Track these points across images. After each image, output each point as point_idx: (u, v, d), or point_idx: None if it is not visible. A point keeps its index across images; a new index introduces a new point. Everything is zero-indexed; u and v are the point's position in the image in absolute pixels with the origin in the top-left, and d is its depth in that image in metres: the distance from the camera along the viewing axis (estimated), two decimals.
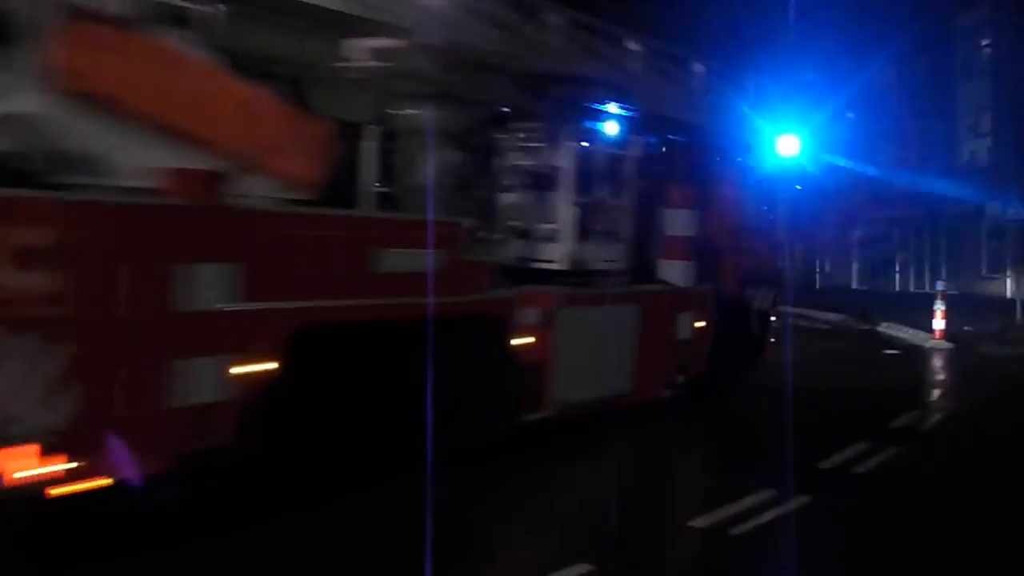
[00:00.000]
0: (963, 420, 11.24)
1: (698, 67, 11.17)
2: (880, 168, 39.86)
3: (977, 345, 18.68)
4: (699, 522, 6.55)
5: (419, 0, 7.23)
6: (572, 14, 9.01)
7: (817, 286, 43.90)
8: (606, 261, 9.39)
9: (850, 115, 41.09)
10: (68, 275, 4.92)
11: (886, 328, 22.67)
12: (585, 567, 5.51)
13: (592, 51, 9.36)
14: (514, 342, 7.98)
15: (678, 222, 10.49)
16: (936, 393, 12.77)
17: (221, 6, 5.90)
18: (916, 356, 17.80)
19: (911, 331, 20.91)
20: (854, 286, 42.09)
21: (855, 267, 42.77)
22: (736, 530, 6.41)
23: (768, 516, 6.72)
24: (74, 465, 4.92)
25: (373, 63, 7.03)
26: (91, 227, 5.06)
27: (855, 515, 7.05)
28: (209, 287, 5.52)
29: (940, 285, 19.69)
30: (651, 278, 10.35)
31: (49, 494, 4.88)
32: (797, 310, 29.80)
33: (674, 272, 10.48)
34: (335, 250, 6.40)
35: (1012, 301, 22.63)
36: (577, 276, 9.02)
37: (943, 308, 18.61)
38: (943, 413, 11.32)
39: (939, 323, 18.53)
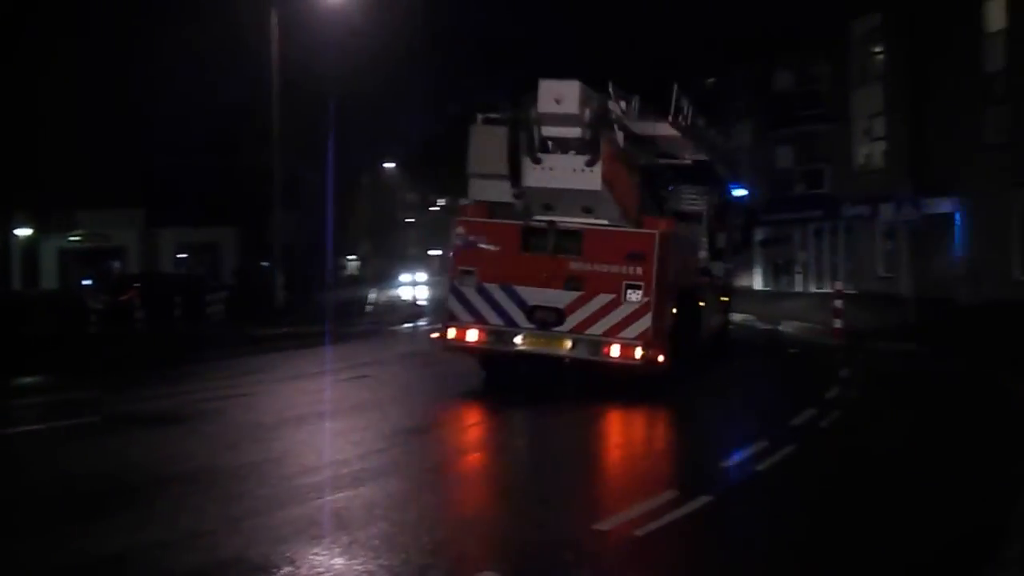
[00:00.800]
0: (859, 416, 11.60)
1: (727, 143, 20.55)
2: (780, 171, 40.93)
3: (873, 342, 19.30)
4: (603, 525, 6.60)
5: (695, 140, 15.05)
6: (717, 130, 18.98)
7: None
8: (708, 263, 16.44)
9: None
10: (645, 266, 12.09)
11: (788, 327, 23.27)
12: None
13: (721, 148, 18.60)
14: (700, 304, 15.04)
15: (721, 240, 17.31)
16: (834, 390, 13.13)
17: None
18: (816, 354, 18.31)
19: (812, 330, 21.50)
20: (757, 287, 43.06)
21: (758, 268, 43.76)
22: (640, 531, 6.48)
23: (673, 516, 6.82)
24: (649, 352, 11.91)
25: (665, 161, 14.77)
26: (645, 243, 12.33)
27: (755, 513, 7.20)
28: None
29: (838, 285, 20.28)
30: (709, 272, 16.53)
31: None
32: None
33: (718, 268, 17.12)
34: (686, 257, 14.45)
35: (906, 299, 23.45)
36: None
37: (841, 307, 19.18)
38: (841, 410, 11.64)
39: (837, 322, 19.08)
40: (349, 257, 72.37)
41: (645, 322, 11.86)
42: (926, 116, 31.49)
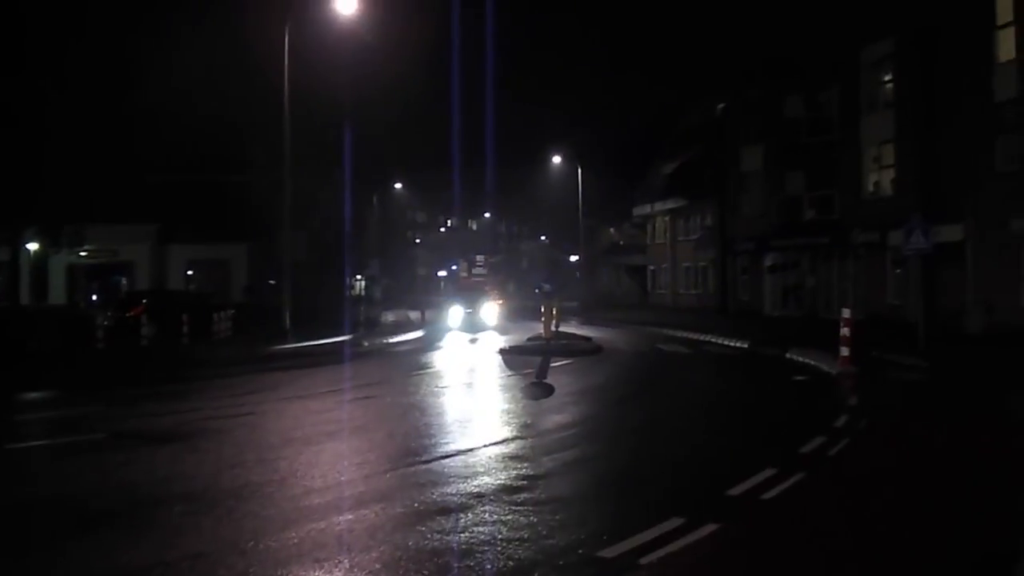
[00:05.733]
0: (868, 445, 11.48)
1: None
2: (790, 196, 40.90)
3: (882, 370, 19.16)
4: (608, 552, 6.52)
5: None
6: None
7: (729, 312, 44.69)
8: None
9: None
10: None
11: (795, 354, 23.14)
12: None
13: None
14: None
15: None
16: (843, 419, 13.01)
17: None
18: (824, 382, 18.18)
19: (819, 357, 21.37)
20: (766, 312, 42.92)
21: (767, 293, 43.64)
22: (646, 559, 6.40)
23: (678, 544, 6.74)
24: None
25: None
26: None
27: (762, 543, 7.11)
28: None
29: (846, 312, 20.10)
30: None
31: None
32: (706, 336, 30.31)
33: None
34: None
35: (915, 326, 23.33)
36: None
37: (849, 334, 19.04)
38: (849, 438, 11.53)
39: (845, 349, 18.95)
40: (357, 276, 72.40)
41: None
42: (936, 144, 31.47)
